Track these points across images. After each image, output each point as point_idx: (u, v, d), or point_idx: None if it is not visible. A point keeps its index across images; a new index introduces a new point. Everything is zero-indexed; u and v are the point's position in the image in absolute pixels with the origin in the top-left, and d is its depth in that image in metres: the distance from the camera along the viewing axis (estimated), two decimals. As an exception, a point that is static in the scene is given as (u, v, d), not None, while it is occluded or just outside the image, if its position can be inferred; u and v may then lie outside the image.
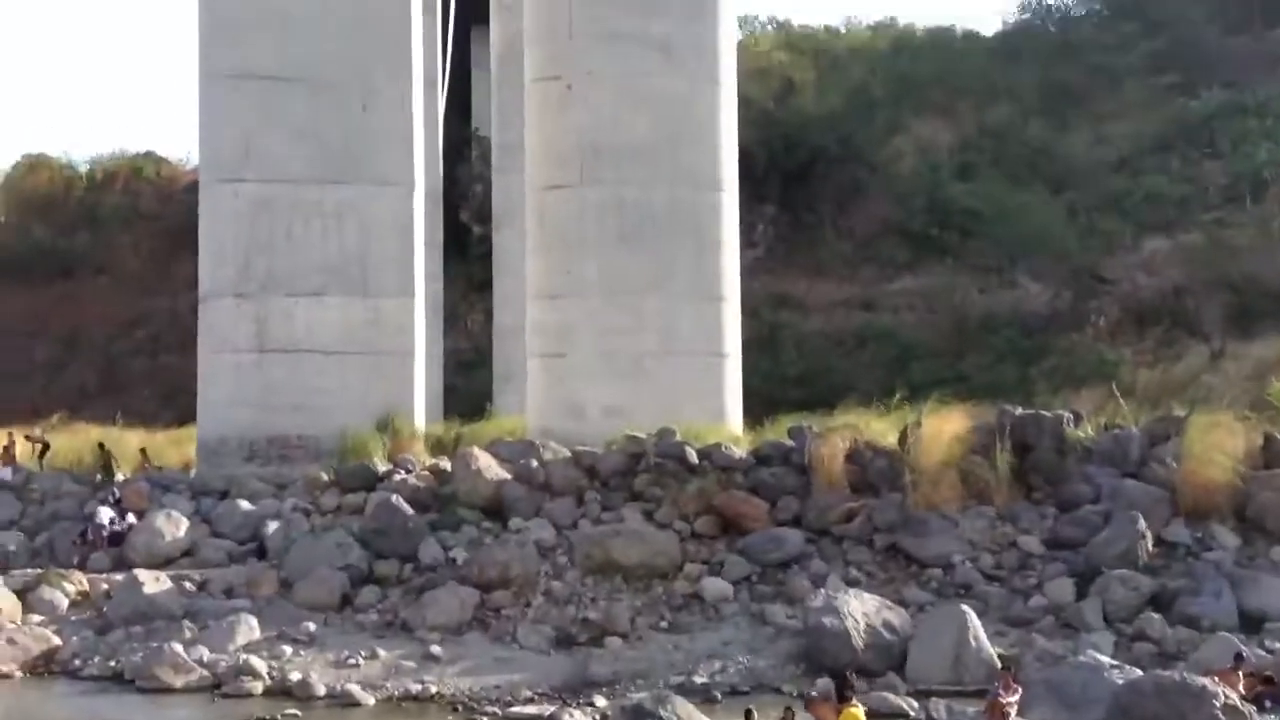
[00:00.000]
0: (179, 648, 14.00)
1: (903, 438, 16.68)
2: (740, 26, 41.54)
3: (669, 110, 18.27)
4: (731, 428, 20.43)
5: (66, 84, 75.69)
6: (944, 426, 16.13)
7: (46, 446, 21.61)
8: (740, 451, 17.58)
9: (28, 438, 21.56)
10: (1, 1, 70.54)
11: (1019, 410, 17.06)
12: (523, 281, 21.77)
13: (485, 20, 33.76)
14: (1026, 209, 37.87)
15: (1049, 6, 48.18)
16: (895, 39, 47.62)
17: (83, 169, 44.19)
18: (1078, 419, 17.40)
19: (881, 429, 17.21)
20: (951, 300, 35.88)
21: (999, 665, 12.62)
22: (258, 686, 13.59)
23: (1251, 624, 14.40)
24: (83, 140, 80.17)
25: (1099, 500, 16.11)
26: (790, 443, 17.49)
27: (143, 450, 21.63)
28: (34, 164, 43.98)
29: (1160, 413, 18.10)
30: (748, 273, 24.34)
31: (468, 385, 33.06)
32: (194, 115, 14.85)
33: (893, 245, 37.99)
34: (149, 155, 44.83)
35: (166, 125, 75.25)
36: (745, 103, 24.80)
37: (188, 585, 15.96)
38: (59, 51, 77.32)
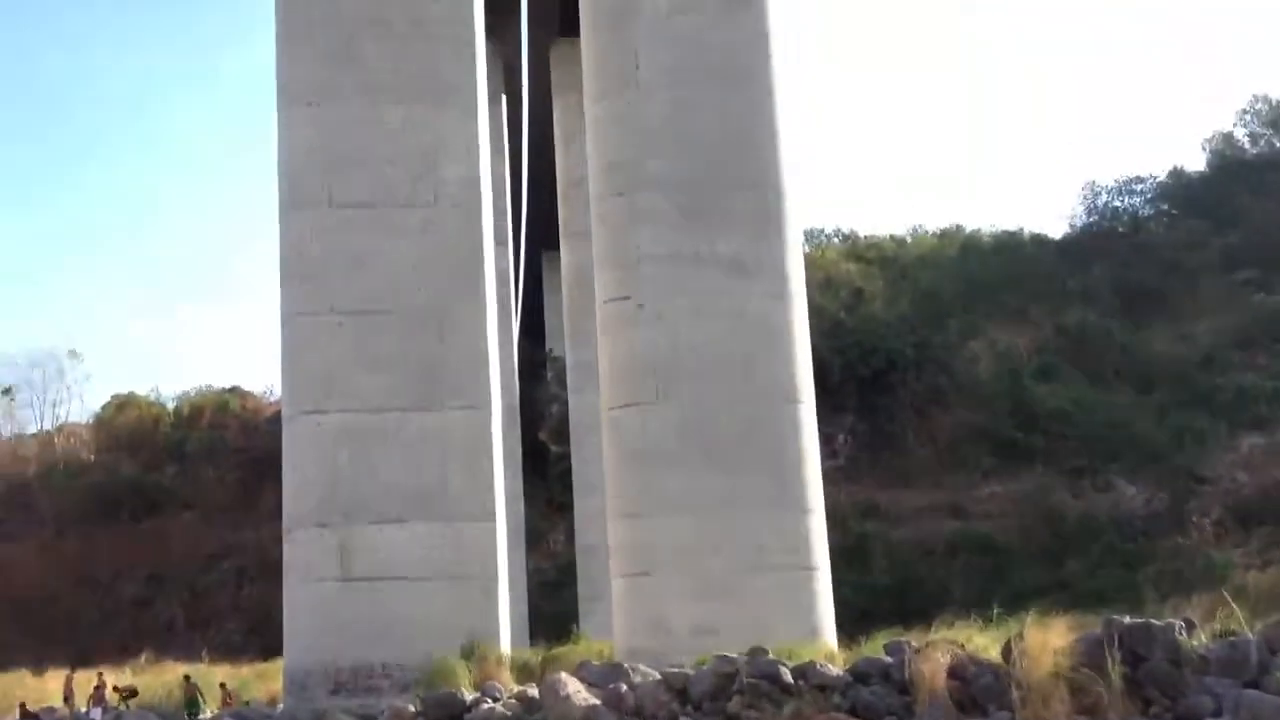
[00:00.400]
0: None
1: (1006, 651, 15.94)
2: (808, 240, 42.26)
3: (741, 325, 18.28)
4: (825, 644, 19.70)
5: (159, 326, 78.48)
6: (1049, 638, 15.38)
7: (134, 693, 21.55)
8: (836, 669, 16.85)
9: (115, 689, 21.55)
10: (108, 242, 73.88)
11: (1128, 619, 16.30)
12: (603, 499, 21.53)
13: (556, 246, 34.64)
14: (1113, 409, 37.34)
15: (1116, 208, 48.52)
16: (963, 245, 48.05)
17: (170, 406, 45.34)
18: (1190, 627, 16.58)
19: (983, 642, 16.48)
20: (1044, 504, 35.07)
21: None
22: None
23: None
24: (171, 378, 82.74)
25: (1220, 713, 15.14)
26: (888, 659, 16.77)
27: (222, 685, 21.43)
28: (123, 403, 45.21)
29: (1277, 617, 17.23)
30: (831, 483, 23.96)
31: (553, 607, 32.61)
32: (276, 350, 15.09)
33: (978, 450, 37.46)
34: (234, 390, 45.96)
35: (251, 360, 77.44)
36: (817, 313, 24.88)
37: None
38: (155, 297, 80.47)
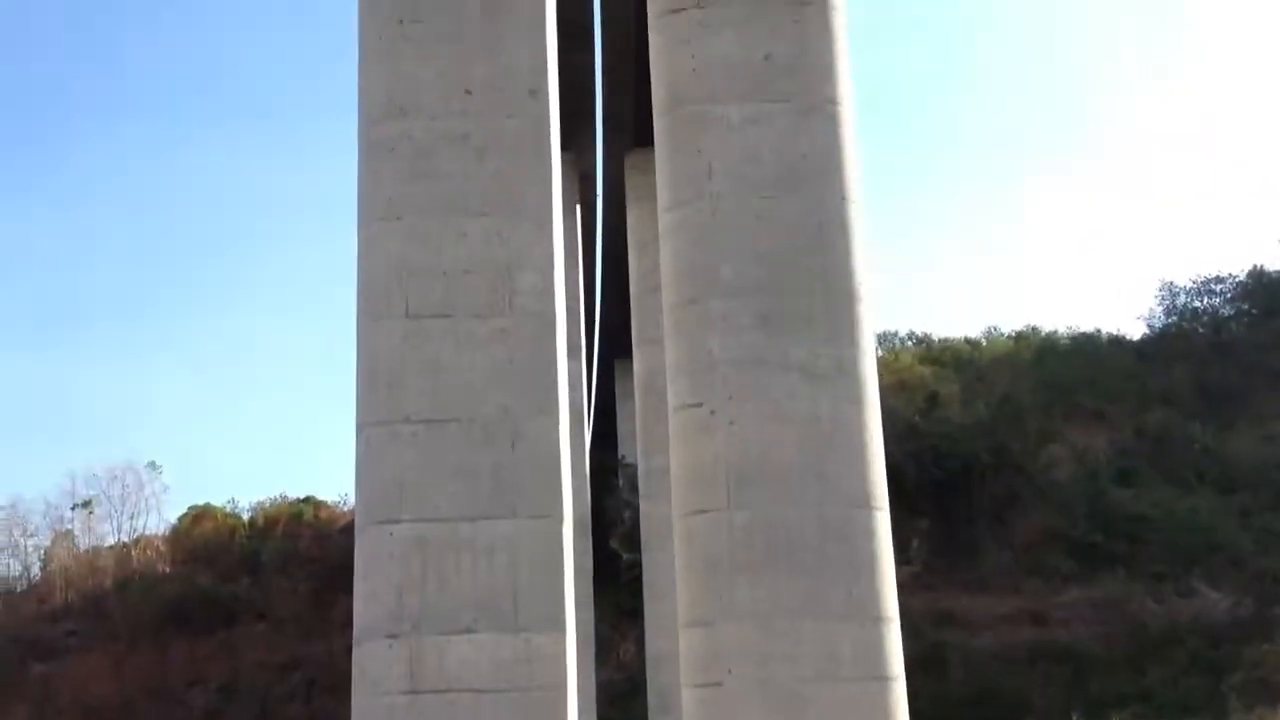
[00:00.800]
0: None
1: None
2: (881, 343, 42.12)
3: (814, 430, 18.08)
4: (902, 757, 19.21)
5: (235, 436, 79.56)
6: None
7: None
8: (914, 784, 16.44)
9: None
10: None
11: (1216, 729, 15.78)
12: (674, 608, 21.26)
13: (628, 353, 34.78)
14: (1196, 513, 36.51)
15: (1195, 309, 47.94)
16: (1039, 346, 47.64)
17: (246, 516, 45.73)
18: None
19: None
20: (1126, 611, 34.22)
21: None
22: None
23: None
24: (250, 487, 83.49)
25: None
26: (968, 773, 16.34)
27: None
28: (200, 514, 45.68)
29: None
30: (905, 590, 23.53)
31: (623, 717, 32.15)
32: (351, 459, 15.20)
33: (1057, 555, 36.70)
34: (308, 500, 46.31)
35: (325, 469, 78.10)
36: (890, 416, 24.70)
37: None
38: (239, 406, 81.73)
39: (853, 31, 12.60)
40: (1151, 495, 37.86)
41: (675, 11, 12.20)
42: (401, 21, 11.89)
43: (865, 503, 19.02)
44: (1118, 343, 47.40)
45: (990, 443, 39.03)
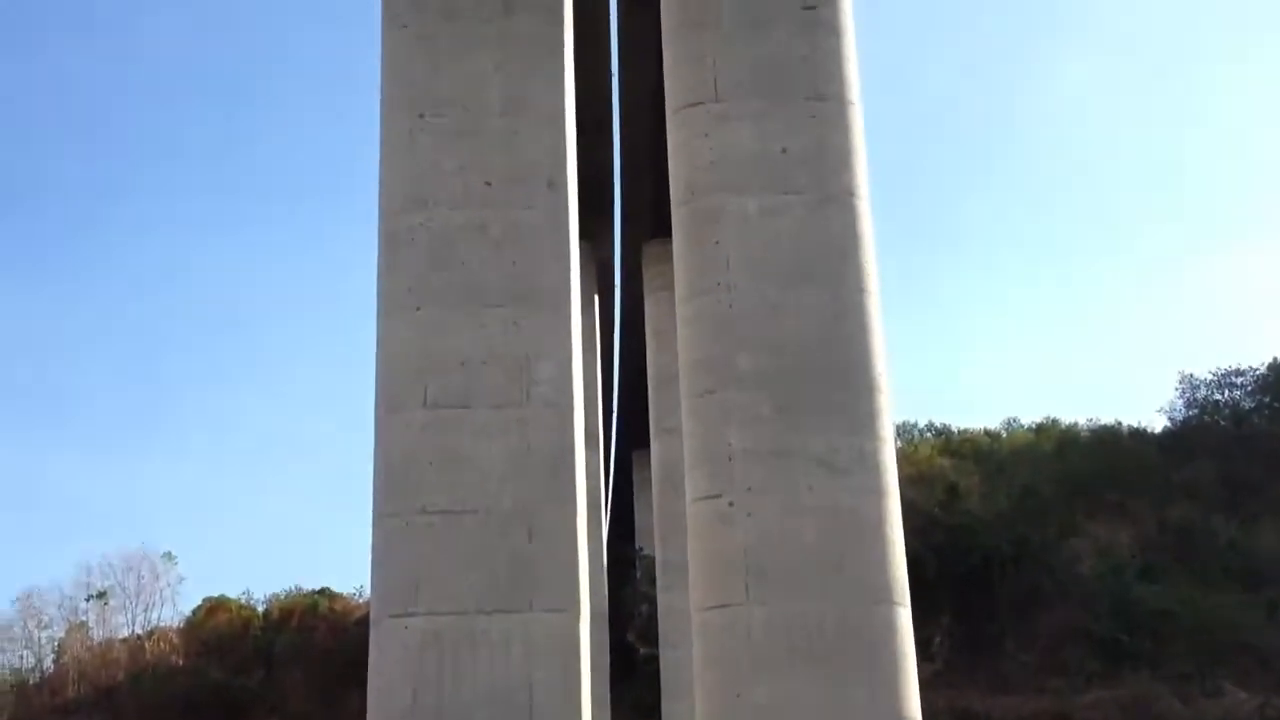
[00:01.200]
0: None
1: None
2: (900, 434, 41.93)
3: (834, 524, 17.86)
4: None
5: (252, 526, 79.32)
6: None
7: None
8: None
9: None
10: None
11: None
12: (692, 703, 20.93)
13: (646, 444, 34.63)
14: (1221, 610, 35.92)
15: (1216, 401, 47.69)
16: (1059, 439, 47.33)
17: (260, 608, 45.42)
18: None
19: None
20: (1152, 711, 33.53)
21: None
22: None
23: None
24: (265, 578, 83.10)
25: None
26: None
27: None
28: (214, 606, 45.39)
29: None
30: (927, 687, 23.12)
31: (640, 818, 31.52)
32: (367, 550, 15.07)
33: (1081, 653, 36.09)
34: (324, 591, 46.01)
35: (341, 560, 77.73)
36: (910, 509, 24.45)
37: None
38: (256, 496, 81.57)
39: (871, 121, 12.68)
40: (1176, 591, 37.30)
41: (693, 105, 12.30)
42: (423, 115, 12.01)
43: (887, 598, 18.67)
44: (1139, 435, 47.14)
45: (1011, 536, 38.60)
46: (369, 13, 12.38)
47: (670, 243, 13.17)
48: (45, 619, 48.87)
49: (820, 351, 13.07)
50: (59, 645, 47.62)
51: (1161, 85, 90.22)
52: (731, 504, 15.90)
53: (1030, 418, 50.63)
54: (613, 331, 33.29)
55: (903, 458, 28.73)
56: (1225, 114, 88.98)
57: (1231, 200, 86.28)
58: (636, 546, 39.57)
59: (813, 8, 12.30)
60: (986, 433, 49.86)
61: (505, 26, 12.08)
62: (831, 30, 12.24)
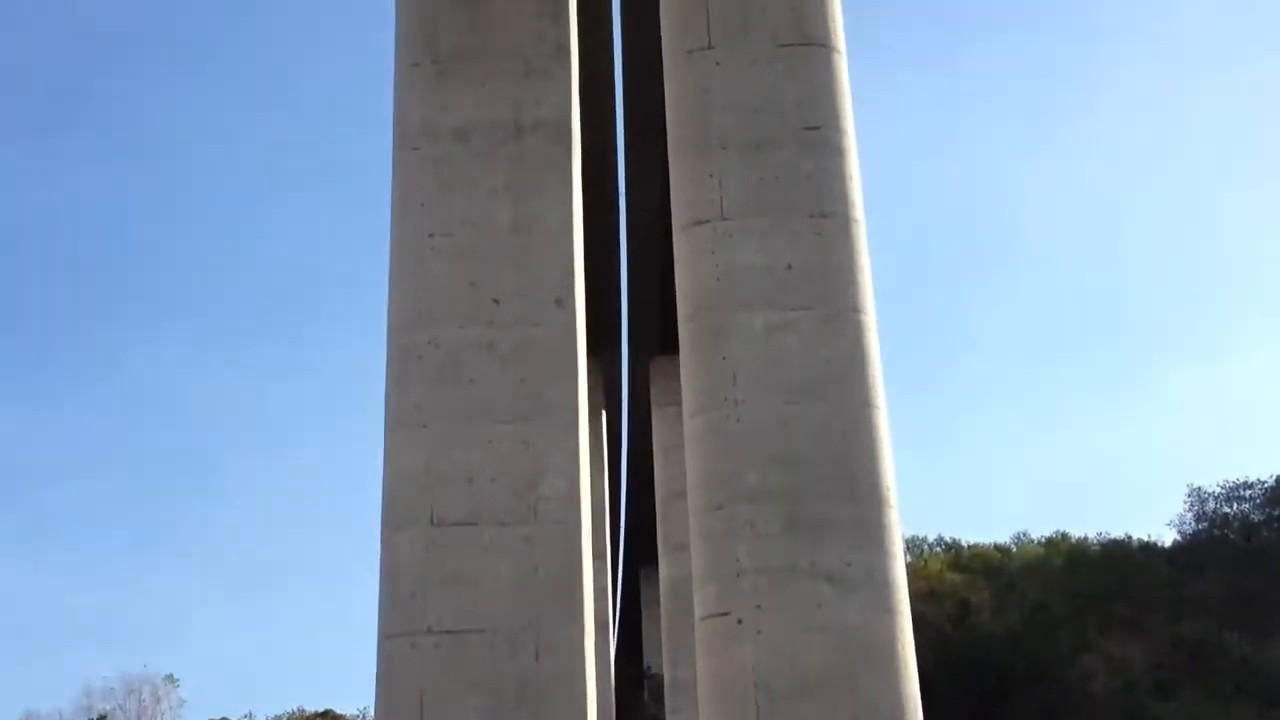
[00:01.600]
0: None
1: None
2: (909, 549, 41.56)
3: (844, 641, 17.63)
4: None
5: (254, 646, 78.44)
6: None
7: None
8: None
9: None
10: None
11: None
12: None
13: (654, 560, 34.37)
14: (1238, 727, 35.29)
15: (1225, 515, 47.39)
16: (1069, 553, 46.93)
17: (260, 729, 44.74)
18: None
19: None
20: (1173, 833, 32.77)
21: None
22: None
23: None
24: (266, 699, 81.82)
25: None
26: None
27: None
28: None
29: None
30: (943, 810, 22.69)
31: None
32: (371, 670, 14.88)
33: (1097, 773, 35.42)
34: (326, 713, 45.36)
35: (344, 680, 76.65)
36: (921, 625, 24.17)
37: None
38: (250, 618, 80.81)
39: (874, 228, 12.81)
40: (1190, 709, 36.71)
41: (699, 223, 12.45)
42: (432, 235, 12.16)
43: (898, 716, 18.36)
44: (1149, 549, 46.79)
45: (1024, 653, 38.15)
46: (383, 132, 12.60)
47: (677, 359, 13.23)
48: (43, 745, 48.02)
49: (829, 467, 13.04)
50: (57, 771, 46.75)
51: (1178, 200, 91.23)
52: (740, 621, 15.73)
53: (1039, 531, 50.41)
54: (620, 447, 33.25)
55: (913, 573, 28.46)
56: (1235, 220, 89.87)
57: (1233, 311, 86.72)
58: (644, 665, 39.04)
59: (816, 128, 12.51)
60: (996, 547, 49.50)
61: (516, 148, 12.29)
62: (834, 150, 12.44)
